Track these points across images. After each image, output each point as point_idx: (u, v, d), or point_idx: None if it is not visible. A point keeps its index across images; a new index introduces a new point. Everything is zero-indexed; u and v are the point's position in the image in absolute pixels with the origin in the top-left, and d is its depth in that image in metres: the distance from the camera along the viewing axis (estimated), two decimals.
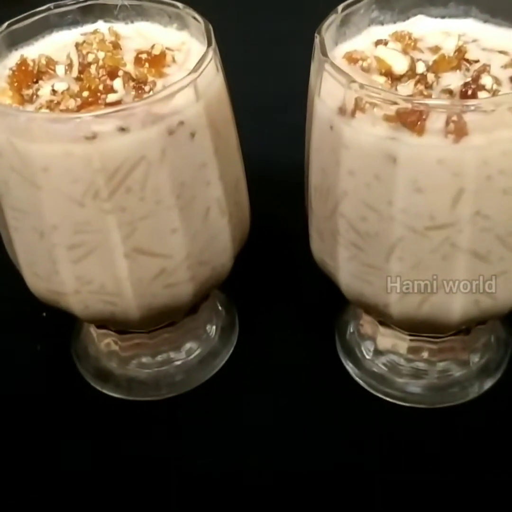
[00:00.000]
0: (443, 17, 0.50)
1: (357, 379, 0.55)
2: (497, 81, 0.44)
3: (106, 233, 0.44)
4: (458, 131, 0.40)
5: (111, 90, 0.44)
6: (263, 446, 0.53)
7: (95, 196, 0.43)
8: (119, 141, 0.42)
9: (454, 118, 0.40)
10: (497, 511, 0.48)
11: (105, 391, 0.56)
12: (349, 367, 0.56)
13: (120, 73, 0.45)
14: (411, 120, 0.41)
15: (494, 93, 0.42)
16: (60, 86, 0.45)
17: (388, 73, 0.44)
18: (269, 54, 0.84)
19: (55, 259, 0.46)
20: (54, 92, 0.45)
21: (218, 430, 0.54)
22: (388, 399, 0.54)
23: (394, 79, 0.44)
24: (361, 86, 0.41)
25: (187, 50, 0.48)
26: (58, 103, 0.44)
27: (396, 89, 0.44)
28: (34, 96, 0.45)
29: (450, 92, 0.43)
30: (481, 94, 0.42)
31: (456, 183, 0.41)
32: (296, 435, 0.53)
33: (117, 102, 0.43)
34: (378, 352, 0.55)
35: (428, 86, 0.44)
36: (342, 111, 0.43)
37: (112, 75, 0.45)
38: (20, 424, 0.55)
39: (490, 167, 0.41)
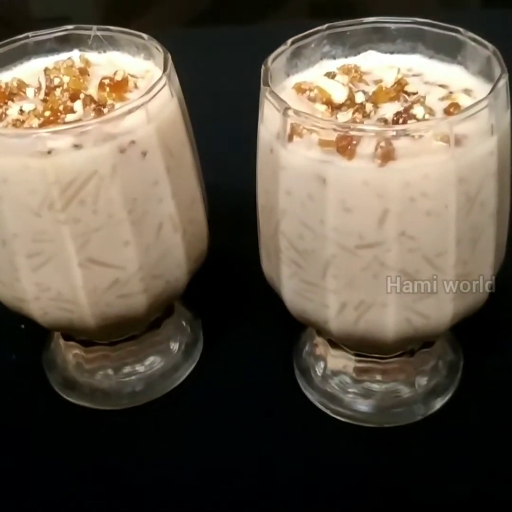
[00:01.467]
0: (392, 52, 0.53)
1: (311, 398, 0.58)
2: (430, 111, 0.46)
3: (61, 243, 0.48)
4: (385, 155, 0.43)
5: (71, 110, 0.47)
6: (217, 461, 0.55)
7: (51, 207, 0.46)
8: (72, 157, 0.45)
9: (383, 143, 0.43)
10: None
11: (70, 399, 0.59)
12: (303, 386, 0.58)
13: (81, 95, 0.48)
14: (341, 145, 0.44)
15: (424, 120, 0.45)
16: (28, 107, 0.49)
17: (329, 102, 0.47)
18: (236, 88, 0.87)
19: (16, 267, 0.49)
20: (21, 112, 0.49)
21: (174, 442, 0.56)
22: (339, 418, 0.56)
23: (334, 107, 0.47)
24: (296, 112, 0.44)
25: (150, 78, 0.52)
26: (23, 121, 0.47)
27: (336, 118, 0.47)
28: (3, 116, 0.49)
29: (385, 121, 0.46)
30: (411, 123, 0.45)
31: (381, 204, 0.44)
32: (250, 452, 0.55)
33: (75, 122, 0.47)
34: (329, 372, 0.57)
35: (366, 115, 0.47)
36: (279, 135, 0.46)
37: (74, 97, 0.48)
38: None
39: (413, 189, 0.43)
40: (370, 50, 0.53)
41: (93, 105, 0.48)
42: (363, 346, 0.52)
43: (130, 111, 0.46)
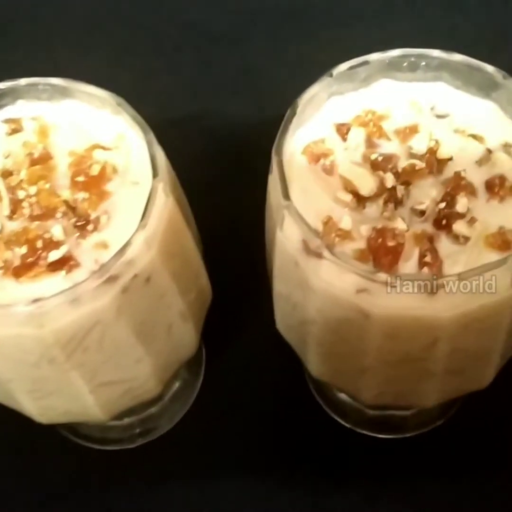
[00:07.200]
0: (410, 81, 0.44)
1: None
2: (471, 190, 0.40)
3: (68, 382, 0.42)
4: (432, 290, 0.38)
5: (51, 242, 0.39)
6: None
7: (51, 362, 0.40)
8: (71, 317, 0.38)
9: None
10: None
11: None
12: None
13: (58, 215, 0.40)
14: (384, 262, 0.38)
15: (470, 220, 0.39)
16: None
17: (355, 193, 0.40)
18: None
19: (16, 400, 0.44)
20: None
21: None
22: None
23: (361, 198, 0.40)
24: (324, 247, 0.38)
25: (127, 150, 0.42)
26: None
27: (363, 208, 0.41)
28: None
29: (422, 213, 0.40)
30: (457, 226, 0.39)
31: (431, 334, 0.39)
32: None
33: (62, 259, 0.39)
34: None
35: (398, 203, 0.40)
36: (307, 251, 0.39)
37: (49, 216, 0.40)
38: None
39: (467, 318, 0.39)
40: (382, 79, 0.44)
41: (72, 220, 0.40)
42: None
43: (129, 244, 0.38)
